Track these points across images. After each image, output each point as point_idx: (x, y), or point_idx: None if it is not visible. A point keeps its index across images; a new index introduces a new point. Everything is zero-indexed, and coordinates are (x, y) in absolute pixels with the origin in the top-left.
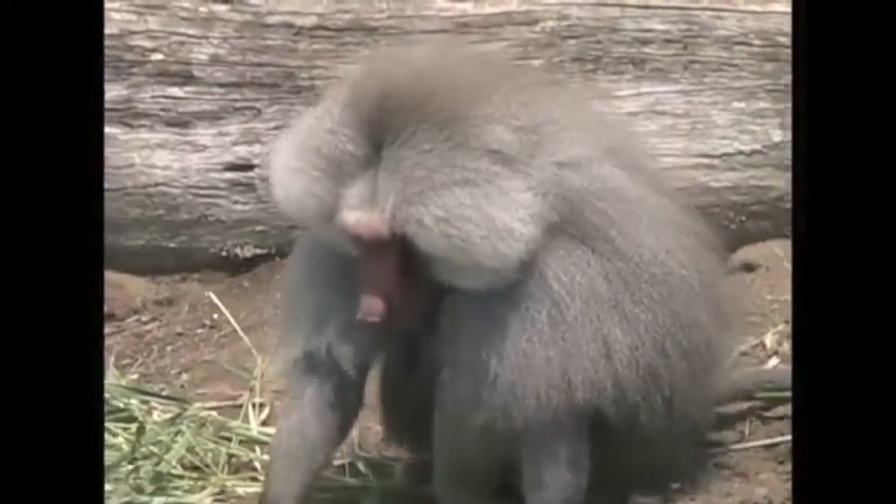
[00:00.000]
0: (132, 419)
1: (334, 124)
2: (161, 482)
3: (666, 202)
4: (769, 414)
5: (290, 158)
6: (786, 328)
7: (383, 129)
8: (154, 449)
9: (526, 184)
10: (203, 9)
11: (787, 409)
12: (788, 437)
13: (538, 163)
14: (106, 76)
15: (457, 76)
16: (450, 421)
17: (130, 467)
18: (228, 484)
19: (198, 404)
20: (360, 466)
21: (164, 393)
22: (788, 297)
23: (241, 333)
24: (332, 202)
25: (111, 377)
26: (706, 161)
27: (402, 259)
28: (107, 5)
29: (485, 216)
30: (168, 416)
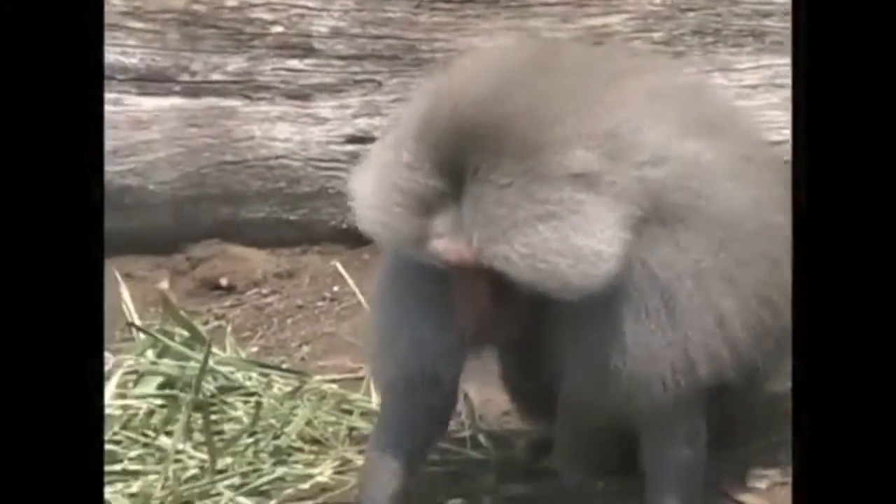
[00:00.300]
0: (252, 393)
1: (411, 158)
2: (281, 455)
3: (745, 154)
4: None
5: (370, 194)
6: None
7: (460, 163)
8: (273, 422)
9: (611, 194)
10: None
11: None
12: None
13: (620, 168)
14: (226, 49)
15: (529, 96)
16: (575, 413)
17: (250, 440)
18: (349, 456)
19: (318, 377)
20: (481, 439)
21: (284, 366)
22: None
23: (364, 304)
24: (418, 233)
25: (230, 350)
26: None
27: (494, 281)
28: None
29: (571, 247)
30: (288, 389)
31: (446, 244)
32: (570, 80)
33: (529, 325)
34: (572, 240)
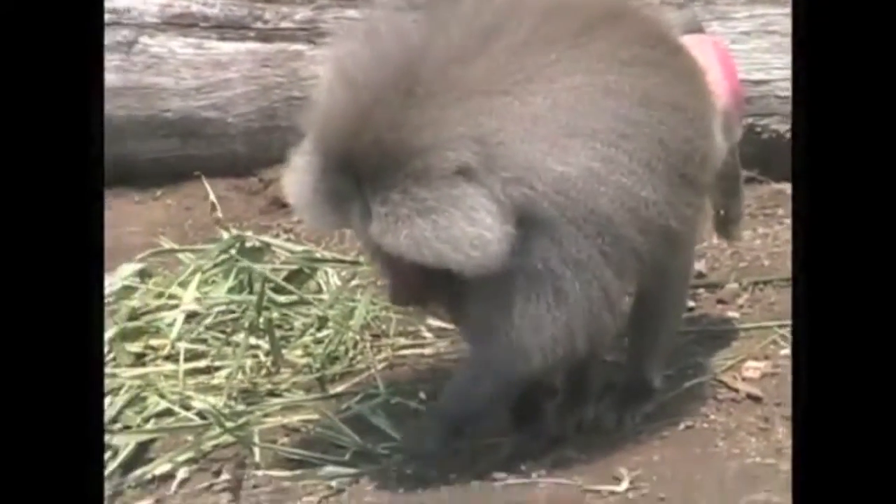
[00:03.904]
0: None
1: (316, 166)
2: (342, 346)
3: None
4: None
5: (300, 193)
6: None
7: (354, 169)
8: (333, 314)
9: (488, 191)
10: None
11: None
12: None
13: (490, 180)
14: (294, 0)
15: (408, 98)
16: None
17: (317, 334)
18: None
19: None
20: None
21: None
22: None
23: None
24: (339, 223)
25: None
26: None
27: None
28: None
29: (450, 236)
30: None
31: (359, 231)
32: (444, 78)
33: (445, 290)
34: (451, 230)
